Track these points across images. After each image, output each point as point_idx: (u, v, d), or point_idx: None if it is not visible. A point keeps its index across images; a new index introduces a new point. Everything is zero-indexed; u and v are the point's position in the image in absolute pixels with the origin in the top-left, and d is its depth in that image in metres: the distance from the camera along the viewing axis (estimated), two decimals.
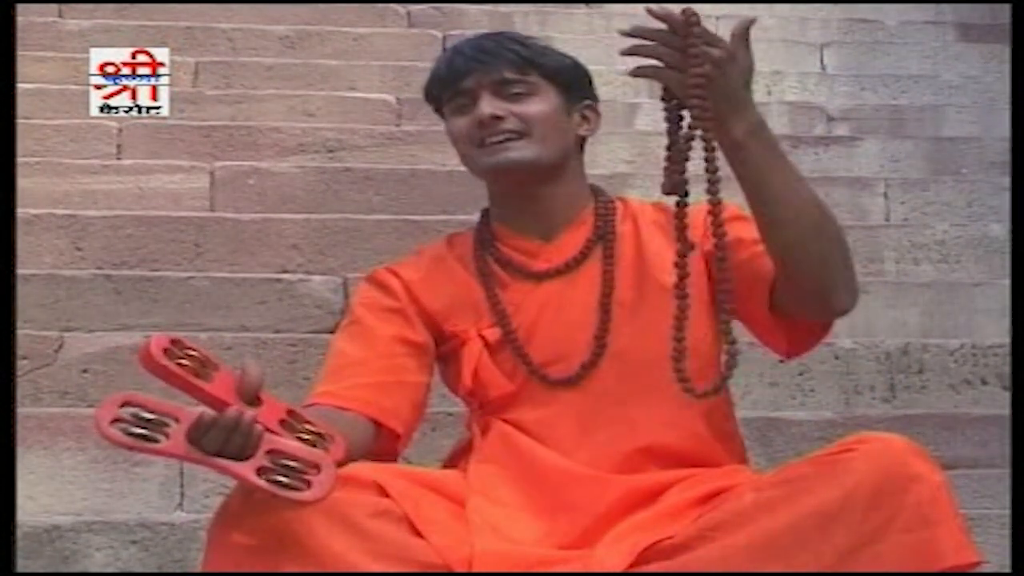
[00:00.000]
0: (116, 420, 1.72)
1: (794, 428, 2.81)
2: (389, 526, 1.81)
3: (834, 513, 1.72)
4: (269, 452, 1.75)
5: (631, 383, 2.03)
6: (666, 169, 1.86)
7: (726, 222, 1.90)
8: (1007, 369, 3.27)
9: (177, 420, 1.74)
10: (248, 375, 1.79)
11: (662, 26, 1.80)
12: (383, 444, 2.06)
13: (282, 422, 1.80)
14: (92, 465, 2.86)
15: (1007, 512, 2.47)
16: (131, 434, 1.72)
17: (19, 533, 2.45)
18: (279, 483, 1.73)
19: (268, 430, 1.77)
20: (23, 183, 3.59)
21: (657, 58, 1.82)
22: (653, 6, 1.80)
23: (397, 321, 2.10)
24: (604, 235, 2.11)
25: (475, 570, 1.79)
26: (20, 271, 3.17)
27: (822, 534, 1.72)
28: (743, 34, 1.83)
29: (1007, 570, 2.38)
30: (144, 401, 1.74)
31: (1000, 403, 3.21)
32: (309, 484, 1.73)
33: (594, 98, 2.17)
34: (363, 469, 1.89)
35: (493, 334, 2.08)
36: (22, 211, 3.44)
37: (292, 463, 1.74)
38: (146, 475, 2.87)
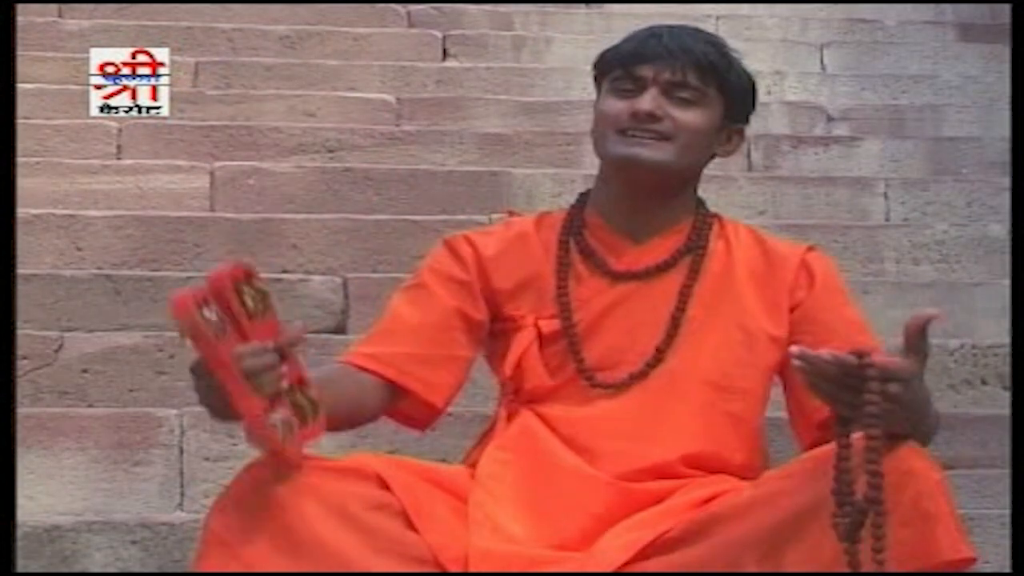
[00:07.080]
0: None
1: None
2: (387, 520, 1.80)
3: (832, 507, 1.71)
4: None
5: (672, 403, 2.00)
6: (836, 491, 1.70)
7: (820, 291, 2.03)
8: (1007, 369, 3.27)
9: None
10: (288, 332, 1.76)
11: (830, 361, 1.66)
12: (419, 413, 2.05)
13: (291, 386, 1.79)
14: (92, 465, 2.86)
15: (1007, 512, 2.47)
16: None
17: (19, 533, 2.44)
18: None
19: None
20: (23, 183, 3.58)
21: (828, 392, 1.69)
22: (826, 357, 1.64)
23: (461, 294, 2.06)
24: (695, 249, 2.06)
25: (470, 569, 1.79)
26: (20, 271, 3.16)
27: (820, 528, 1.72)
28: (921, 332, 1.68)
29: (1007, 570, 2.38)
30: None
31: (1000, 403, 3.20)
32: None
33: (748, 122, 2.12)
34: (368, 460, 1.88)
35: (550, 325, 2.03)
36: (22, 211, 3.44)
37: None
38: (146, 475, 2.87)
